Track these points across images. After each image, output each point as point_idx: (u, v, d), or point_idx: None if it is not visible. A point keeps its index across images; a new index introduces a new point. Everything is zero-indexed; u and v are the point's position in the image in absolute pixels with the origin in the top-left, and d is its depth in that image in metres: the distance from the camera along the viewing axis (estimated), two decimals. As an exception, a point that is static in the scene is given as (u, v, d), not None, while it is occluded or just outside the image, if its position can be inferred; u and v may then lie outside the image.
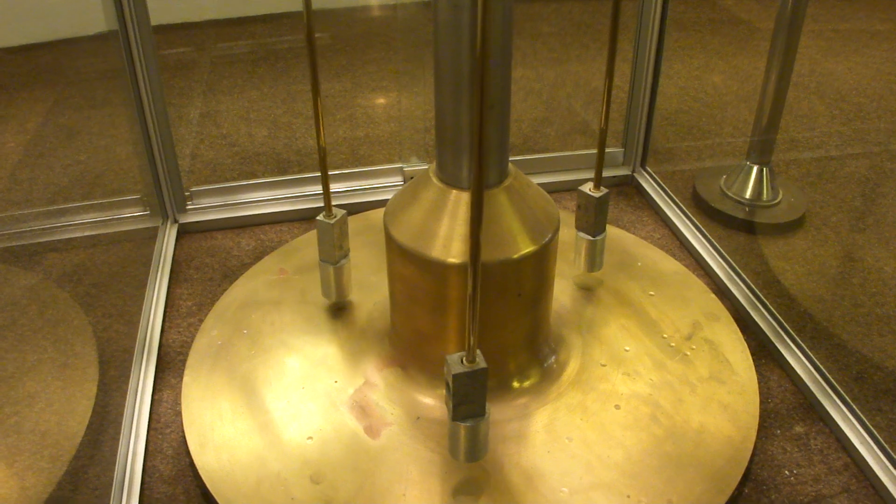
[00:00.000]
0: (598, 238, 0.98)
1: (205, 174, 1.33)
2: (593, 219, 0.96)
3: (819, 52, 1.78)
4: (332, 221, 0.90)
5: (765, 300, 1.01)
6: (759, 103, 1.21)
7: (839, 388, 0.89)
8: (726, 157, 1.42)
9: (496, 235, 0.77)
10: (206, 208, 1.20)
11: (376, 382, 0.88)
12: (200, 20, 1.84)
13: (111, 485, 0.79)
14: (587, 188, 0.95)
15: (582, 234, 0.98)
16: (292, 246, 1.12)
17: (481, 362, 0.68)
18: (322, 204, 0.91)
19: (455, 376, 0.67)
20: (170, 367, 0.94)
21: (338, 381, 0.88)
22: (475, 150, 0.75)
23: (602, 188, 0.95)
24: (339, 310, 0.98)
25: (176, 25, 1.80)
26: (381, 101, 1.59)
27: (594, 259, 0.99)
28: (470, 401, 0.69)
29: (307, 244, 1.11)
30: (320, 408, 0.85)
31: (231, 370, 0.90)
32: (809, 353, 0.93)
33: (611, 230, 1.12)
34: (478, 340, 0.68)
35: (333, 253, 0.92)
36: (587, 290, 1.01)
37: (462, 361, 0.68)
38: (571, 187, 1.29)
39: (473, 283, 0.66)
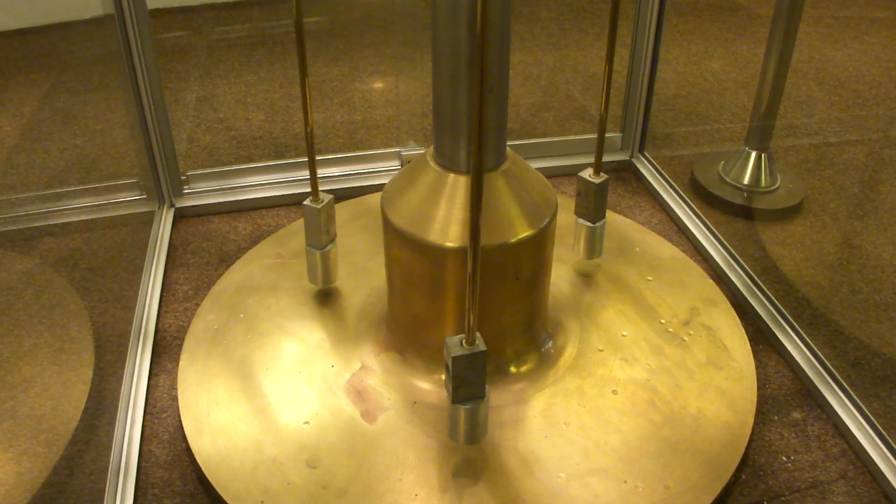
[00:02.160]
0: (597, 225, 0.97)
1: (201, 158, 1.32)
2: (593, 205, 0.95)
3: (818, 39, 1.77)
4: (319, 206, 0.90)
5: (763, 286, 1.01)
6: (758, 89, 1.21)
7: (837, 375, 0.88)
8: (725, 143, 1.42)
9: (494, 219, 0.77)
10: (203, 192, 1.19)
11: (373, 367, 0.87)
12: (197, 4, 1.83)
13: (107, 469, 0.79)
14: (587, 174, 0.94)
15: (581, 221, 0.97)
16: (289, 230, 1.12)
17: (481, 345, 0.68)
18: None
19: (455, 359, 0.67)
20: (166, 352, 0.94)
21: (334, 365, 0.88)
22: (474, 131, 0.75)
23: (602, 174, 0.94)
24: (336, 294, 0.98)
25: (173, 9, 1.79)
26: (379, 85, 1.58)
27: (593, 246, 0.98)
28: (469, 383, 0.69)
29: (304, 228, 1.11)
30: (317, 392, 0.85)
31: (227, 355, 0.90)
32: (807, 339, 0.93)
33: (609, 215, 1.12)
34: (477, 323, 0.68)
35: (320, 238, 0.92)
36: (585, 276, 1.01)
37: (462, 344, 0.68)
38: (570, 172, 1.28)
39: (473, 264, 0.65)
